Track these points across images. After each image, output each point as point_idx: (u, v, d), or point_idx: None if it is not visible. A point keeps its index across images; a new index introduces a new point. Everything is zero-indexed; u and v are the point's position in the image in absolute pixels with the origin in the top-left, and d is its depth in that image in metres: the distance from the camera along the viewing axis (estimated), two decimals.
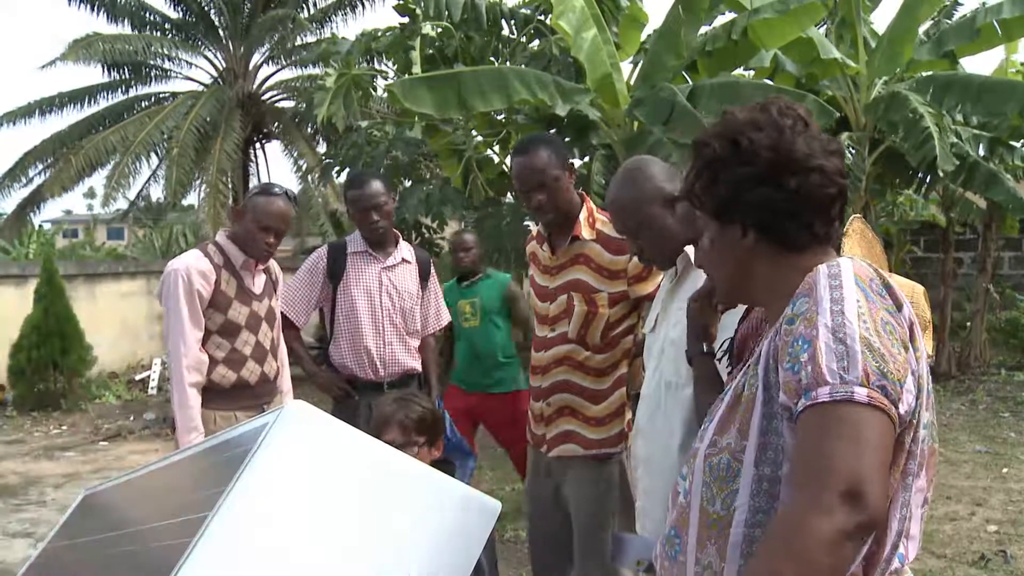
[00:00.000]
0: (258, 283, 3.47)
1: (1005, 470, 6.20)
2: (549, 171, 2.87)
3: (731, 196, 1.42)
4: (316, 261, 3.87)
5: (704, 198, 1.47)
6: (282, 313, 3.70)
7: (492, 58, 8.29)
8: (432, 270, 4.06)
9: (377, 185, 3.82)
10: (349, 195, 3.89)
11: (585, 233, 2.90)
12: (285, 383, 3.67)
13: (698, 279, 2.18)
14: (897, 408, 1.21)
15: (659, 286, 2.59)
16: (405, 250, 3.96)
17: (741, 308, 1.92)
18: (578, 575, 2.91)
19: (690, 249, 2.28)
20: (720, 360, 2.00)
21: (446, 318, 4.17)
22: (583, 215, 2.93)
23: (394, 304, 3.84)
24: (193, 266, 3.29)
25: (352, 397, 3.78)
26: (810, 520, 1.13)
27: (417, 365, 3.92)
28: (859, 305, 1.24)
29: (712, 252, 1.51)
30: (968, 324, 10.44)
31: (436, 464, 2.39)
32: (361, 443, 1.56)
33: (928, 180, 8.88)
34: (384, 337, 3.81)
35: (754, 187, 1.39)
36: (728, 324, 2.00)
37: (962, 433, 7.29)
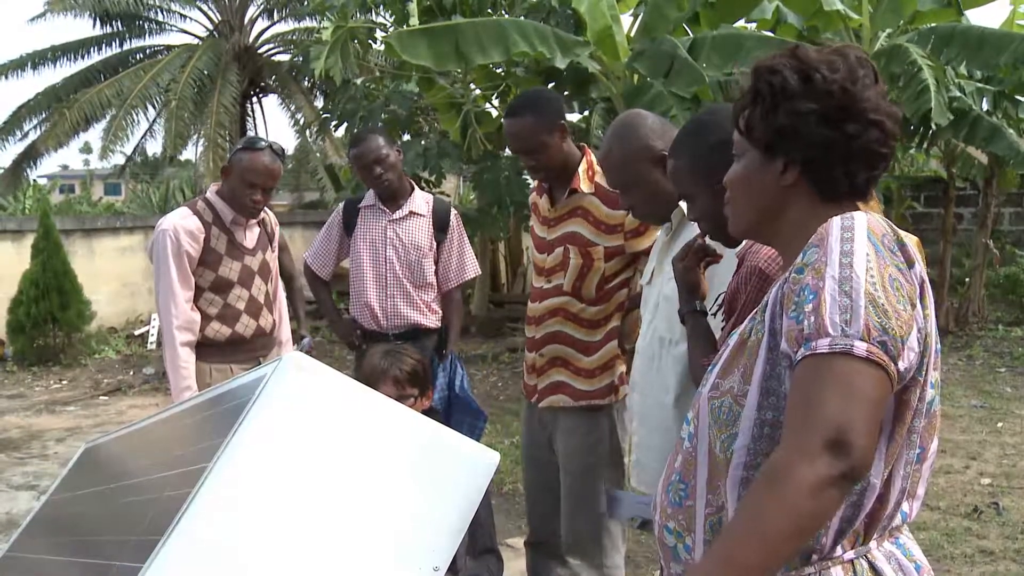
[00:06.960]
0: (250, 237, 3.45)
1: (1000, 424, 6.25)
2: (534, 138, 2.86)
3: (788, 129, 1.38)
4: (334, 216, 3.98)
5: (758, 125, 1.43)
6: (307, 266, 3.97)
7: (490, 10, 8.18)
8: (453, 222, 3.91)
9: (376, 140, 3.77)
10: (351, 155, 3.88)
11: (584, 186, 2.89)
12: (284, 334, 3.68)
13: (692, 234, 2.17)
14: (896, 365, 1.21)
15: (656, 241, 2.58)
16: (419, 202, 3.87)
17: (734, 264, 1.91)
18: (567, 526, 2.93)
19: (684, 204, 2.26)
20: (715, 315, 2.00)
21: (472, 271, 4.01)
22: (582, 168, 2.91)
23: (399, 257, 3.79)
24: (180, 225, 3.28)
25: (361, 347, 3.82)
26: (795, 465, 1.15)
27: (426, 321, 3.83)
28: (868, 259, 1.24)
29: (743, 182, 1.47)
30: (967, 280, 10.42)
31: (426, 414, 2.41)
32: (358, 394, 1.57)
33: (930, 135, 8.80)
34: (387, 291, 3.79)
35: (816, 125, 1.37)
36: (724, 280, 2.00)
37: (958, 388, 7.33)
